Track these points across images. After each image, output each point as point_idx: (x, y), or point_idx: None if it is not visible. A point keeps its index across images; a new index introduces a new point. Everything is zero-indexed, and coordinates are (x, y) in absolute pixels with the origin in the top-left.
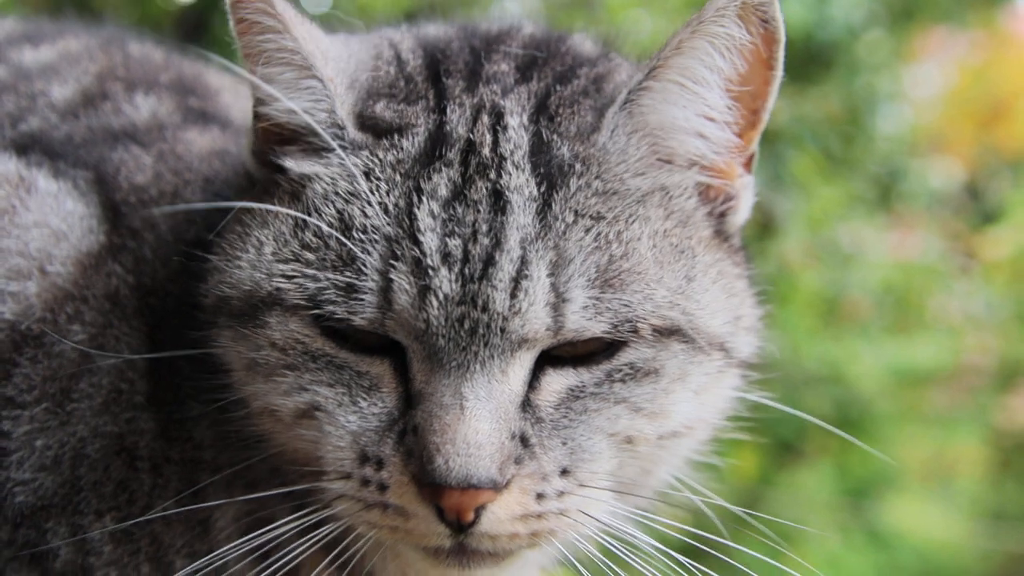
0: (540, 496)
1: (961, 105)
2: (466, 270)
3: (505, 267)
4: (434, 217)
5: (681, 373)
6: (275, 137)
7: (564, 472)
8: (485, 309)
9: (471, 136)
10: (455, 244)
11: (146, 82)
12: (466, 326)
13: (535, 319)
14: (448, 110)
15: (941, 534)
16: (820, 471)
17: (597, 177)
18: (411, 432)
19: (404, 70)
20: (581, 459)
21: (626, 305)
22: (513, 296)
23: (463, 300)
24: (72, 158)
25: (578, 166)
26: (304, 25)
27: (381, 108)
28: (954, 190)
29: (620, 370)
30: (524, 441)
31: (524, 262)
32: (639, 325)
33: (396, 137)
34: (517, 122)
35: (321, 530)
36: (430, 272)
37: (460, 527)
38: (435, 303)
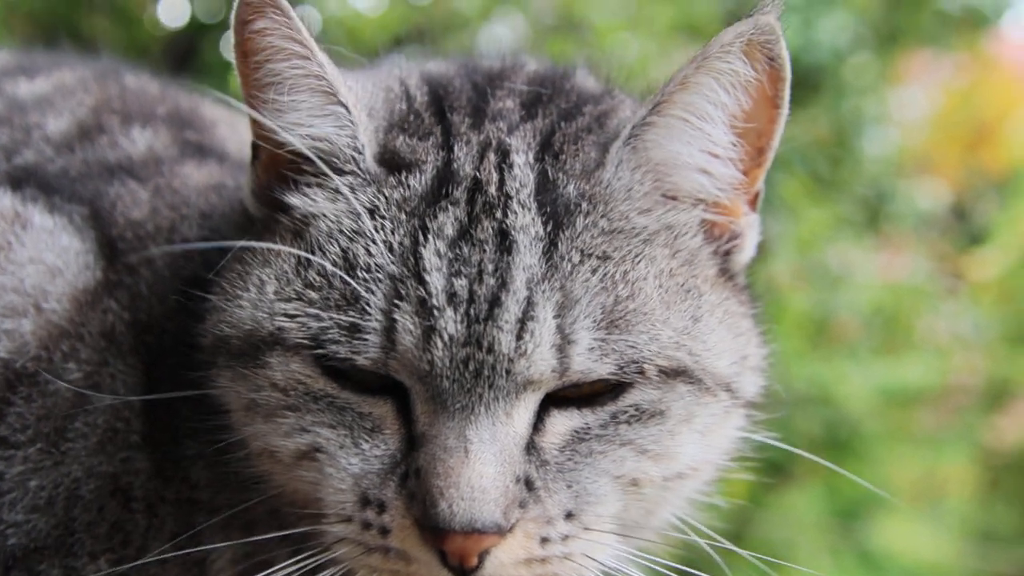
0: (545, 540)
1: (946, 127)
2: (471, 311)
3: (511, 308)
4: (440, 256)
5: (687, 415)
6: (279, 172)
7: (569, 516)
8: (491, 351)
9: (477, 175)
10: (461, 284)
11: (142, 115)
12: (471, 368)
13: (541, 361)
14: (455, 147)
15: (931, 555)
16: (810, 492)
17: (603, 216)
18: (414, 475)
19: (412, 105)
20: (586, 502)
21: (632, 346)
22: (519, 338)
23: (468, 342)
24: (67, 192)
25: (584, 205)
26: (322, 53)
27: (398, 142)
28: (941, 211)
29: (625, 411)
30: (529, 485)
31: (530, 303)
32: (645, 366)
33: (405, 174)
34: (523, 160)
35: (321, 575)
36: (435, 312)
37: (463, 572)
38: (440, 344)
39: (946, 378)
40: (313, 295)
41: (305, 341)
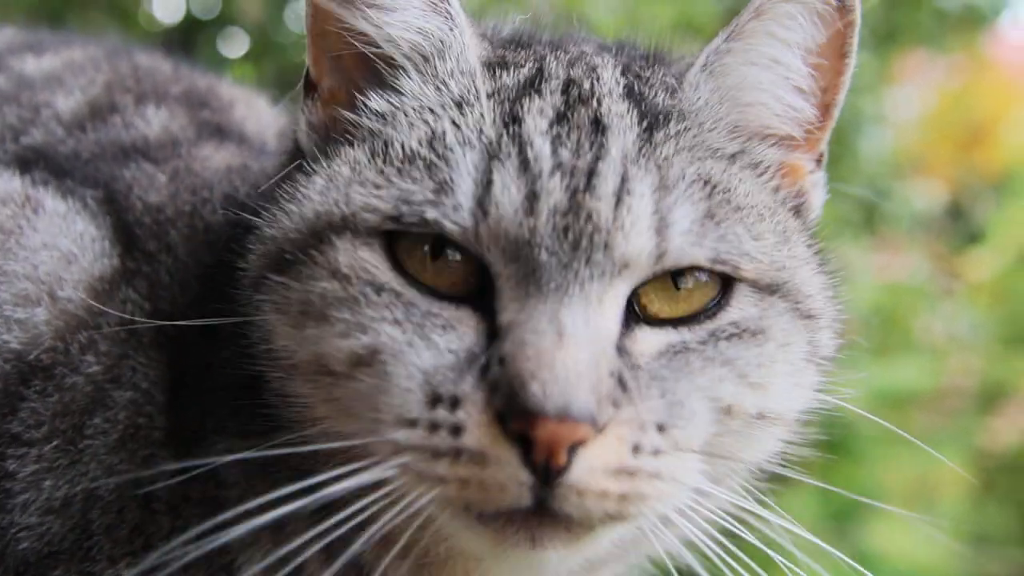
0: (636, 449)
1: (941, 127)
2: (571, 181)
3: (609, 180)
4: (539, 131)
5: (785, 339)
6: (351, 84)
7: (661, 429)
8: (589, 219)
9: (570, 74)
10: (565, 155)
11: (156, 94)
12: (570, 238)
13: (638, 236)
14: (546, 57)
15: (924, 557)
16: (804, 494)
17: (691, 129)
18: (497, 364)
19: (499, 34)
20: (679, 416)
21: (730, 238)
22: (617, 208)
23: (568, 210)
24: (80, 175)
25: (673, 114)
26: None
27: (493, 47)
28: (936, 211)
29: (725, 330)
30: (621, 384)
31: (626, 178)
32: (743, 264)
33: (500, 72)
34: (610, 74)
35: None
36: (541, 177)
37: (547, 475)
38: (544, 209)
39: (941, 379)
40: (393, 172)
41: (387, 211)
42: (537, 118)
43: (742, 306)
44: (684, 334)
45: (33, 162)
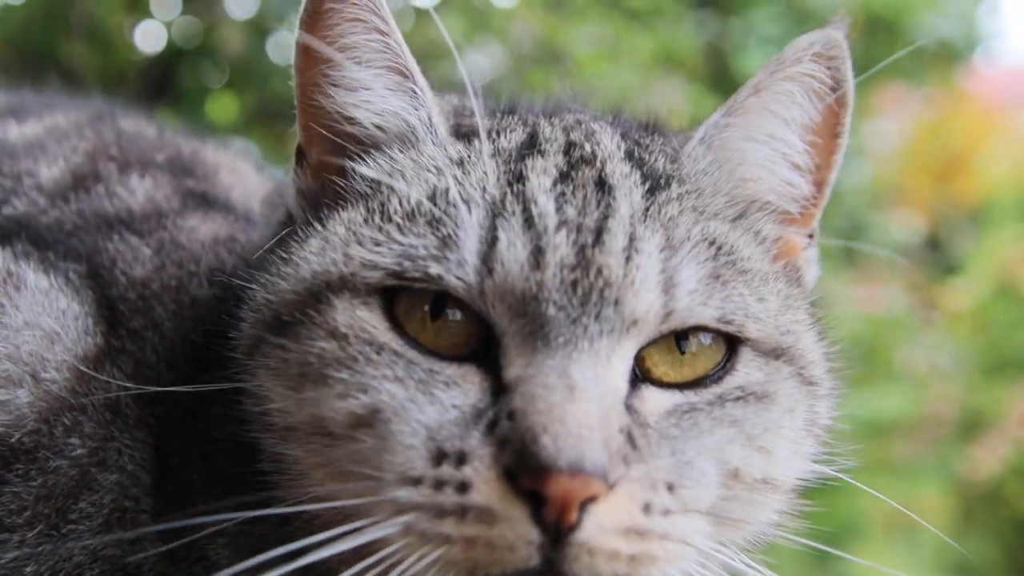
0: (647, 509)
1: (918, 159)
2: (579, 237)
3: (618, 237)
4: (543, 189)
5: (790, 405)
6: (338, 158)
7: (670, 488)
8: (600, 275)
9: (570, 138)
10: (569, 212)
11: (141, 162)
12: (579, 293)
13: (647, 293)
14: (540, 122)
15: None
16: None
17: (691, 193)
18: (506, 419)
19: (473, 107)
20: (688, 477)
21: (736, 298)
22: (627, 263)
23: (577, 265)
24: (63, 248)
25: (674, 179)
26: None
27: (473, 120)
28: (915, 242)
29: (732, 393)
30: (631, 441)
31: (635, 237)
32: (749, 325)
33: (493, 136)
34: (609, 138)
35: None
36: (547, 232)
37: (557, 533)
38: (552, 264)
39: (921, 409)
40: (393, 228)
41: (388, 266)
42: (541, 177)
43: (748, 370)
44: (690, 396)
45: (14, 234)
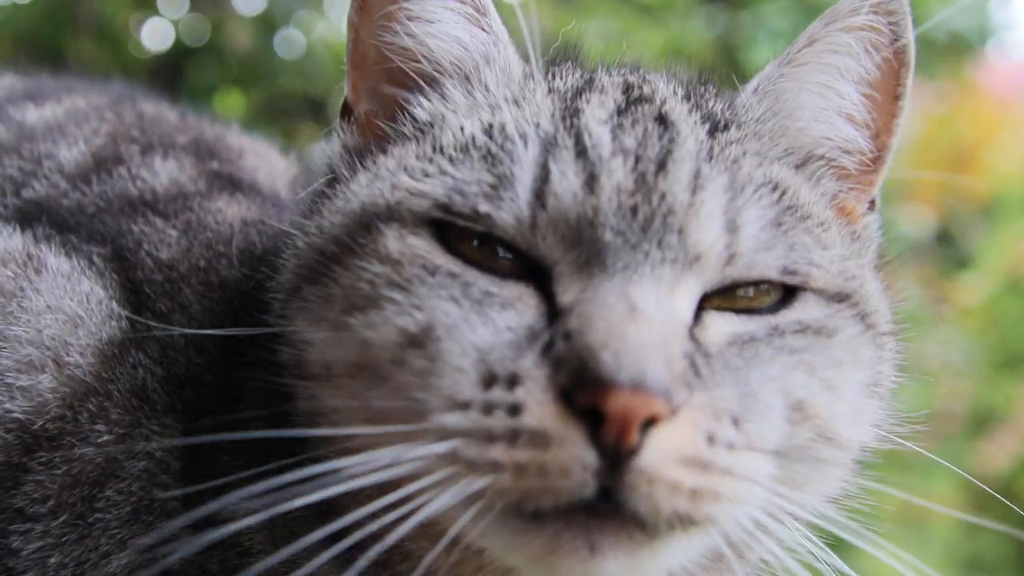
0: (711, 440)
1: (928, 153)
2: (639, 165)
3: (684, 167)
4: (600, 122)
5: (853, 345)
6: (392, 99)
7: (735, 422)
8: (663, 200)
9: (627, 79)
10: (628, 141)
11: (163, 144)
12: (639, 218)
13: (712, 226)
14: (596, 70)
15: None
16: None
17: (750, 138)
18: (562, 339)
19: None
20: (753, 410)
21: (799, 247)
22: (693, 194)
23: (637, 190)
24: (85, 231)
25: (733, 123)
26: None
27: (535, 63)
28: (926, 237)
29: (791, 325)
30: (694, 368)
31: (699, 174)
32: (813, 274)
33: (549, 75)
34: (664, 85)
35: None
36: (601, 159)
37: (616, 457)
38: (607, 187)
39: (932, 404)
40: (445, 161)
41: (438, 199)
42: (596, 110)
43: (807, 307)
44: (748, 324)
45: (35, 217)
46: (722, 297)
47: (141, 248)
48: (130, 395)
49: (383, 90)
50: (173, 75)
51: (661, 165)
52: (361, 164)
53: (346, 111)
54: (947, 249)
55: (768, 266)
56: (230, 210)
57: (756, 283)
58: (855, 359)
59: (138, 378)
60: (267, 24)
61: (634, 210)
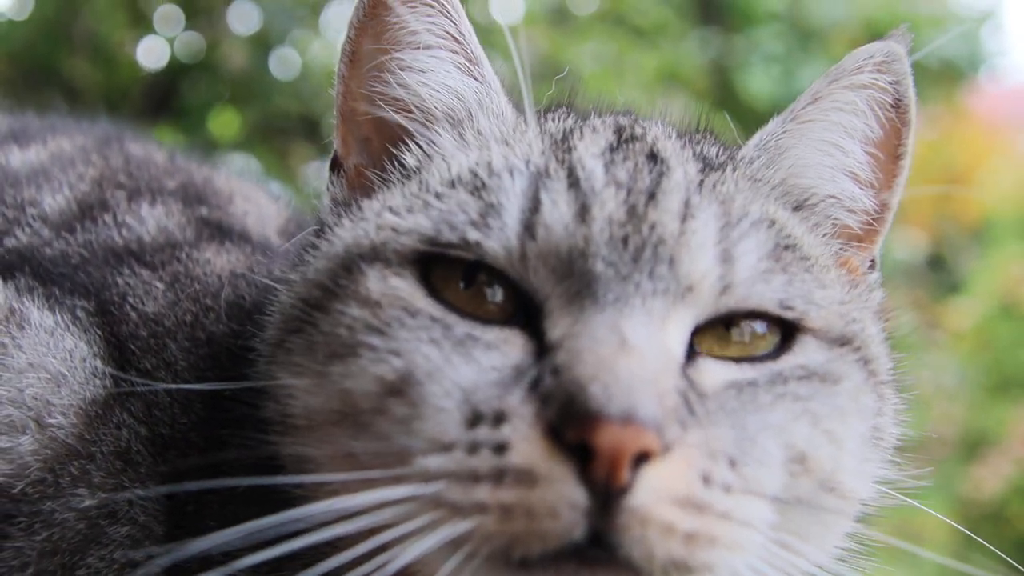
0: (707, 480)
1: (921, 177)
2: (631, 198)
3: (673, 198)
4: (592, 155)
5: (856, 395)
6: (381, 149)
7: (731, 463)
8: (653, 230)
9: (619, 122)
10: (620, 174)
11: (151, 190)
12: (631, 248)
13: (704, 256)
14: (591, 115)
15: None
16: None
17: (747, 180)
18: (550, 375)
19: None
20: (750, 455)
21: (798, 283)
22: (683, 223)
23: (628, 221)
24: (69, 283)
25: (728, 166)
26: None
27: (527, 102)
28: (918, 261)
29: (793, 372)
30: (688, 405)
31: (690, 204)
32: (811, 312)
33: (542, 119)
34: (657, 127)
35: None
36: (593, 190)
37: (607, 496)
38: (599, 218)
39: (925, 428)
40: (431, 197)
41: (424, 231)
42: (590, 145)
43: (808, 351)
44: (748, 372)
45: (17, 267)
46: (718, 340)
47: (126, 301)
48: (113, 457)
49: (373, 141)
50: (168, 93)
51: (651, 196)
52: (347, 213)
53: (335, 164)
54: (939, 273)
55: (765, 298)
56: (219, 260)
57: (751, 315)
58: (858, 409)
59: (122, 439)
60: (262, 43)
61: (625, 240)
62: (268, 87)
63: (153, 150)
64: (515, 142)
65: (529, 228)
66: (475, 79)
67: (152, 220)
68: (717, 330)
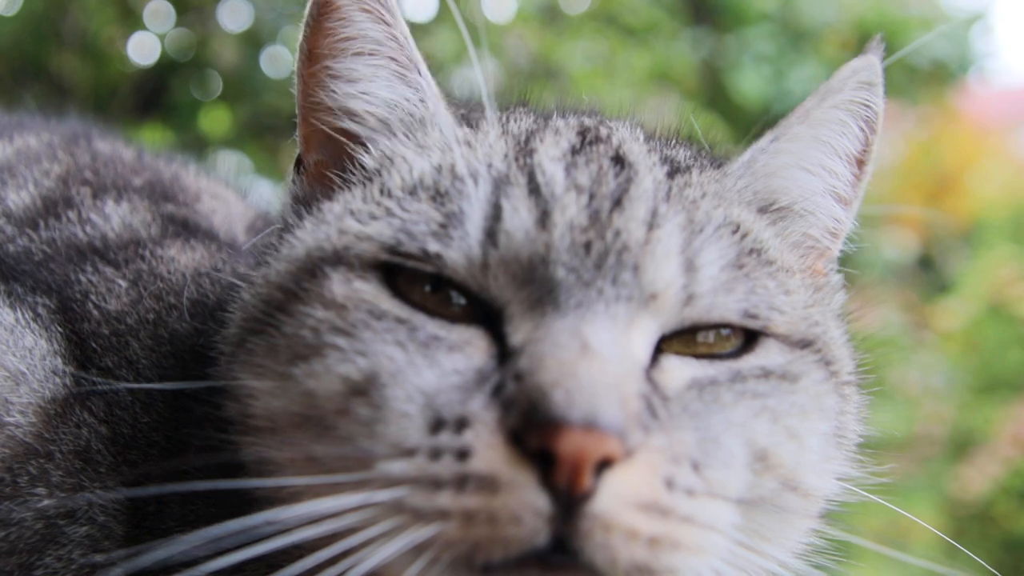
0: (670, 484)
1: (910, 177)
2: (593, 203)
3: (640, 205)
4: (554, 160)
5: (817, 394)
6: (344, 149)
7: (695, 467)
8: (617, 236)
9: (583, 123)
10: (581, 179)
11: (117, 186)
12: (593, 254)
13: (668, 265)
14: (552, 113)
15: None
16: None
17: (716, 180)
18: (512, 381)
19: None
20: (714, 456)
21: (761, 291)
22: (649, 231)
23: (590, 227)
24: (31, 280)
25: (695, 166)
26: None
27: (481, 113)
28: (907, 261)
29: (753, 371)
30: (651, 410)
31: (656, 212)
32: (774, 319)
33: (502, 120)
34: (625, 131)
35: None
36: (554, 195)
37: (569, 502)
38: (560, 223)
39: (913, 427)
40: (393, 204)
41: (384, 240)
42: (550, 148)
43: (769, 353)
44: (709, 369)
45: None
46: (681, 342)
47: (88, 299)
48: (73, 456)
49: (332, 141)
50: (158, 90)
51: (616, 202)
52: (307, 211)
53: (298, 163)
54: (929, 274)
55: (728, 309)
56: (183, 258)
57: (716, 326)
58: (819, 407)
59: (82, 438)
60: (253, 40)
61: (588, 246)
62: (259, 84)
63: (121, 147)
64: (477, 144)
65: (491, 235)
66: (418, 88)
67: (117, 217)
68: (683, 338)
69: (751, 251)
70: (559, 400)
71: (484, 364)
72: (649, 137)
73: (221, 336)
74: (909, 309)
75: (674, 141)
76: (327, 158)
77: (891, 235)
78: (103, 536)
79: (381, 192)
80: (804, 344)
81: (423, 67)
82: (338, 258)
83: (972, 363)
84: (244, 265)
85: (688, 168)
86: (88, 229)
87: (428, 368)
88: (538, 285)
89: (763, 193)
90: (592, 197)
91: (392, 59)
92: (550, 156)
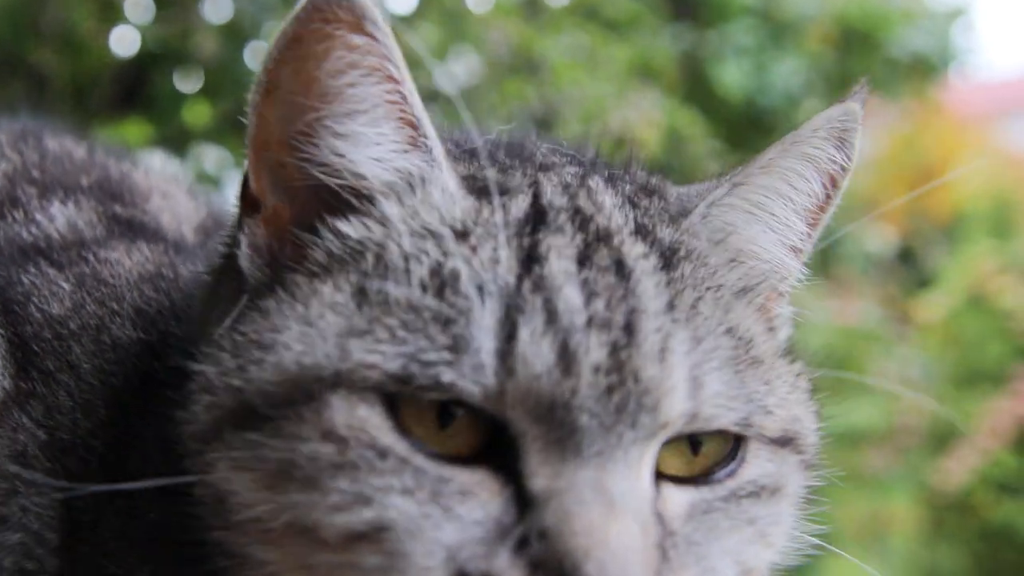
0: None
1: (892, 171)
2: (611, 336)
3: (651, 336)
4: (568, 274)
5: (794, 493)
6: (313, 207)
7: None
8: (637, 380)
9: (577, 204)
10: (599, 306)
11: (64, 186)
12: (615, 400)
13: (679, 399)
14: (540, 179)
15: None
16: None
17: (700, 264)
18: (537, 539)
19: (472, 148)
20: None
21: (754, 396)
22: (663, 365)
23: (612, 370)
24: None
25: (681, 250)
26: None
27: (480, 170)
28: (888, 255)
29: (744, 488)
30: (664, 555)
31: (665, 335)
32: (766, 423)
33: (497, 200)
34: (611, 200)
35: None
36: (576, 332)
37: None
38: (586, 370)
39: (893, 420)
40: (396, 323)
41: (394, 371)
42: (562, 261)
43: (759, 462)
44: (705, 493)
45: None
46: (679, 455)
47: (31, 301)
48: (8, 460)
49: (300, 192)
50: (139, 83)
51: (629, 335)
52: (280, 284)
53: (250, 201)
54: (910, 267)
55: (726, 419)
56: (128, 260)
57: (712, 434)
58: (793, 503)
59: (19, 443)
60: (235, 33)
61: (610, 391)
62: (241, 77)
63: (72, 145)
64: (475, 237)
65: (506, 363)
66: (420, 148)
67: (62, 217)
68: (677, 446)
69: (744, 354)
70: (592, 573)
71: (501, 511)
72: (634, 206)
73: (185, 416)
74: (890, 302)
75: (651, 201)
76: (287, 204)
77: (872, 228)
78: (36, 544)
79: (380, 307)
80: (784, 442)
81: (428, 125)
82: (338, 380)
83: (952, 356)
84: (190, 269)
85: (676, 253)
86: (33, 229)
87: (445, 520)
88: (557, 426)
89: (726, 253)
90: (609, 329)
91: (399, 120)
92: (563, 270)
